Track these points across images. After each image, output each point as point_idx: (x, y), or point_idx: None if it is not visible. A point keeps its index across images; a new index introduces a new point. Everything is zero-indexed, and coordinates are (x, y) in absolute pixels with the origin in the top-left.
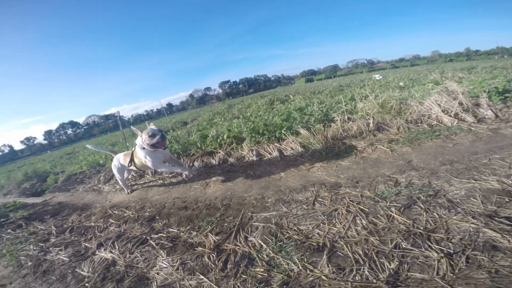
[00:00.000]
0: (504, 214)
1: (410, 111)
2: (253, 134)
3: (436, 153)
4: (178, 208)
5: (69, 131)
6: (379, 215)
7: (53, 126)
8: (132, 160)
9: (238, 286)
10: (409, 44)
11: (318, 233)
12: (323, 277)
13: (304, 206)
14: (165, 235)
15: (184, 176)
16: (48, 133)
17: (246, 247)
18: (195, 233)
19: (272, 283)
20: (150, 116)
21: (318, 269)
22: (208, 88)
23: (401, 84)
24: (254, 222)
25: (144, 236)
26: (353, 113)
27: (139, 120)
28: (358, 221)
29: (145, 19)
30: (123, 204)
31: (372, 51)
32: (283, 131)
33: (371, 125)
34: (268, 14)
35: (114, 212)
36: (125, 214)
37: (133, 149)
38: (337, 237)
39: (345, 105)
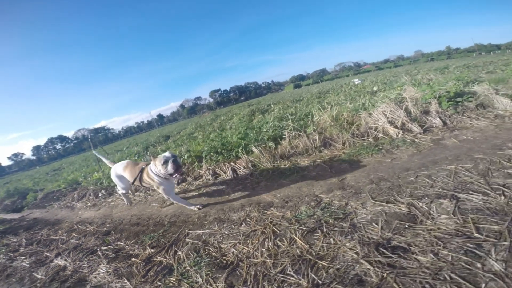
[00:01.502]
0: (394, 243)
1: (357, 123)
2: (212, 154)
3: (370, 170)
4: (132, 224)
5: (58, 146)
6: (284, 238)
7: (42, 141)
8: (139, 177)
9: None
10: (394, 45)
11: (233, 252)
12: None
13: (233, 225)
14: (113, 247)
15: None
16: (36, 149)
17: (172, 259)
18: (137, 246)
19: None
20: (140, 128)
21: (216, 284)
22: (198, 98)
23: (375, 89)
24: (188, 239)
25: (95, 248)
26: (305, 127)
27: (130, 132)
28: (266, 243)
29: (134, 29)
30: (89, 220)
31: (359, 53)
32: (239, 150)
33: (317, 141)
34: (258, 19)
35: (79, 227)
36: (87, 229)
37: (143, 165)
38: (244, 257)
39: (292, 122)
